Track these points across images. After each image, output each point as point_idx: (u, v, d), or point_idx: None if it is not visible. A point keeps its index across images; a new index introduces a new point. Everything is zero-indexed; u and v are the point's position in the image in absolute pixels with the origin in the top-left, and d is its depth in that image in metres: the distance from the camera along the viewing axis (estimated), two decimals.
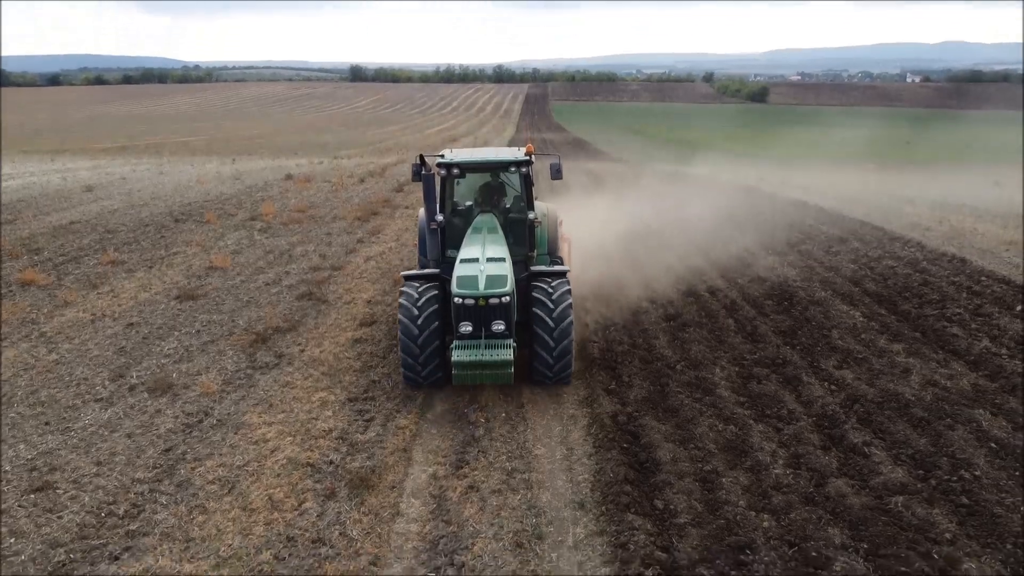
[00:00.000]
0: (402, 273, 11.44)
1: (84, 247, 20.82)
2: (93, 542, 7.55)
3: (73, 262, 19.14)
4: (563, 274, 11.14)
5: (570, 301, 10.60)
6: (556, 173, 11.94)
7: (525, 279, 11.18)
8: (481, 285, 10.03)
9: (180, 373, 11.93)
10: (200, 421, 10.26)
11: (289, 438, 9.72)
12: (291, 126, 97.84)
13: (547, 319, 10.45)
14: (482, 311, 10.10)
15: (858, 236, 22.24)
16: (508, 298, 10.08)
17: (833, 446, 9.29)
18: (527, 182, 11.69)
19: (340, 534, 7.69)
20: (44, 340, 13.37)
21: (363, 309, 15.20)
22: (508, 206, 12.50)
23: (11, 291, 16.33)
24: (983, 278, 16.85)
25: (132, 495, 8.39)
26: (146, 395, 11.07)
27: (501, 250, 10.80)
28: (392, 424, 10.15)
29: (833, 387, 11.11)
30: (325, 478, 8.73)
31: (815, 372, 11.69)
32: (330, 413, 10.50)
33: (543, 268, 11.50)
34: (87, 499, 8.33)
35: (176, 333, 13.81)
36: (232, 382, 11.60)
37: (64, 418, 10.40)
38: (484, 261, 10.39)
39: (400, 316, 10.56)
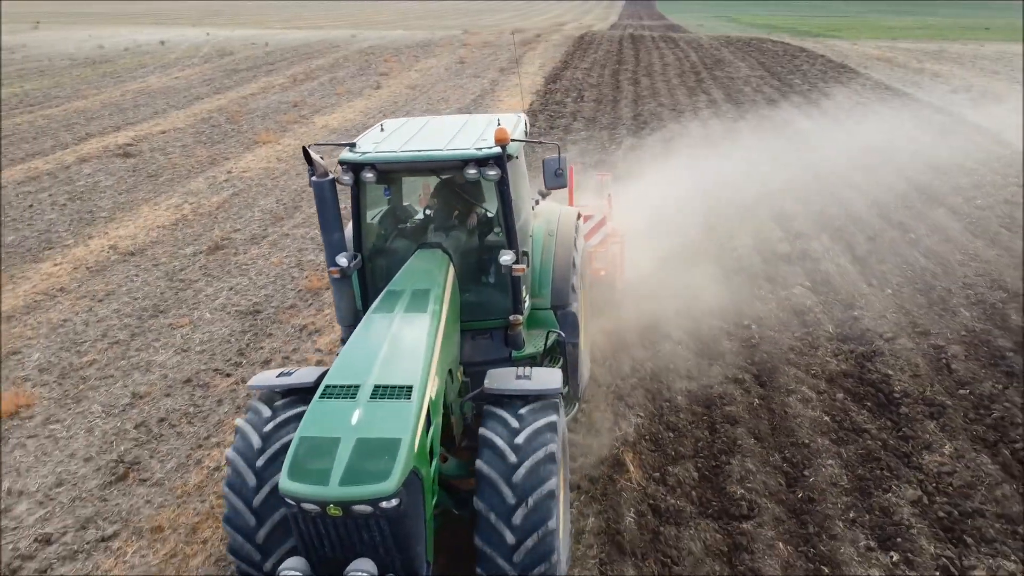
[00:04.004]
0: (250, 383, 6.32)
1: None
2: None
3: None
4: (547, 396, 5.89)
5: (552, 450, 5.42)
6: (554, 179, 7.02)
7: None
8: (335, 475, 4.74)
9: None
10: None
11: None
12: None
13: (501, 496, 5.31)
14: (335, 531, 4.91)
15: None
16: (395, 504, 4.79)
17: None
18: (502, 194, 6.73)
19: None
20: None
21: None
22: (477, 231, 7.51)
23: None
24: None
25: None
26: None
27: (416, 361, 5.54)
28: None
29: None
30: None
31: None
32: None
33: (509, 381, 6.01)
34: None
35: None
36: None
37: None
38: (367, 396, 5.20)
39: (229, 466, 5.72)
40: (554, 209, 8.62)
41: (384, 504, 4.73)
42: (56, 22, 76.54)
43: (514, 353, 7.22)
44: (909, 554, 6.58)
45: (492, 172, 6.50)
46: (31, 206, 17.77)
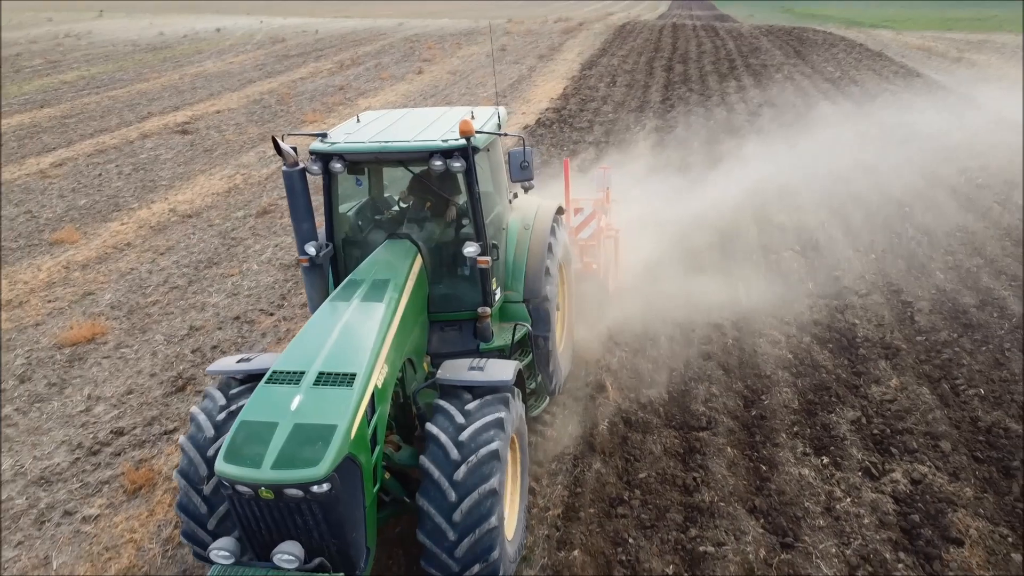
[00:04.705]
0: (209, 368, 6.50)
1: None
2: None
3: None
4: (498, 388, 6.02)
5: (496, 447, 5.49)
6: (520, 172, 6.96)
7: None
8: (268, 458, 4.84)
9: None
10: None
11: None
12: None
13: (443, 493, 5.43)
14: (269, 514, 5.03)
15: None
16: (326, 489, 4.87)
17: None
18: (468, 186, 6.80)
19: None
20: None
21: None
22: (448, 223, 7.52)
23: None
24: None
25: None
26: None
27: (363, 350, 5.62)
28: None
29: None
30: None
31: None
32: None
33: (461, 372, 6.12)
34: None
35: None
36: None
37: None
38: (311, 382, 5.32)
39: (183, 448, 5.84)
40: (532, 203, 8.46)
41: (315, 489, 4.79)
42: (119, 11, 79.99)
43: (482, 345, 7.19)
44: (839, 459, 7.69)
45: (457, 164, 6.55)
46: (100, 175, 19.60)
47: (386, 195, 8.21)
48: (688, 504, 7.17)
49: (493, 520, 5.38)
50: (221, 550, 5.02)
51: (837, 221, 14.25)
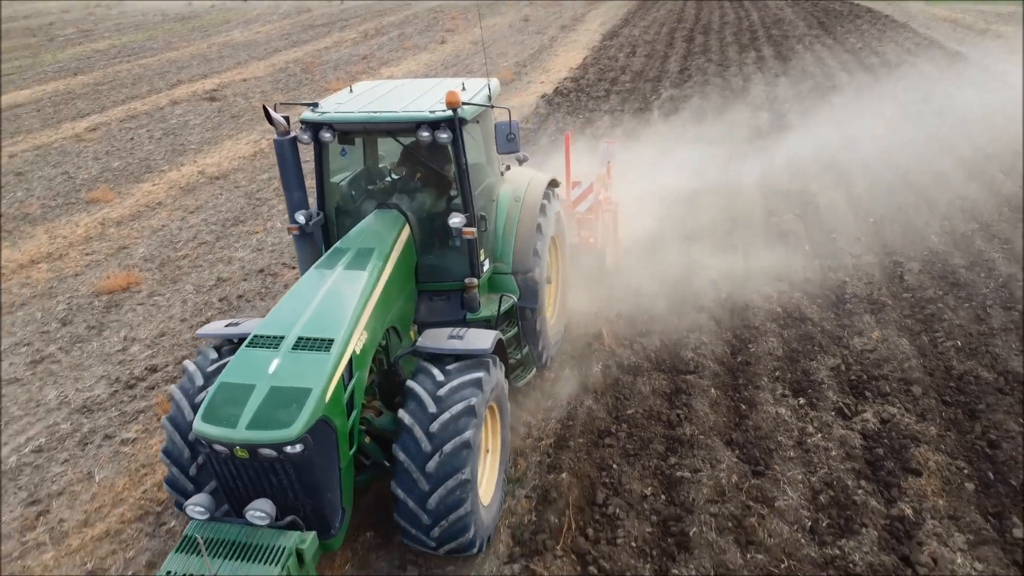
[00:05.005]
0: (199, 332, 6.74)
1: None
2: None
3: None
4: (475, 355, 6.17)
5: (473, 404, 5.71)
6: (506, 143, 6.88)
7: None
8: (244, 419, 5.07)
9: None
10: None
11: None
12: None
13: (418, 444, 5.62)
14: (244, 472, 5.27)
15: None
16: (299, 450, 5.09)
17: None
18: (456, 158, 6.89)
19: None
20: None
21: None
22: (438, 194, 7.70)
23: None
24: None
25: None
26: None
27: (342, 316, 5.80)
28: None
29: None
30: None
31: None
32: None
33: (440, 341, 6.32)
34: None
35: None
36: None
37: None
38: (289, 347, 5.52)
39: (172, 396, 6.09)
40: (525, 175, 8.56)
41: (288, 449, 5.00)
42: None
43: (469, 316, 7.34)
44: (815, 400, 8.25)
45: (444, 135, 6.63)
46: (132, 139, 20.41)
47: (381, 166, 8.32)
48: (670, 437, 7.79)
49: (466, 472, 5.53)
50: (196, 506, 5.19)
51: (841, 188, 14.60)
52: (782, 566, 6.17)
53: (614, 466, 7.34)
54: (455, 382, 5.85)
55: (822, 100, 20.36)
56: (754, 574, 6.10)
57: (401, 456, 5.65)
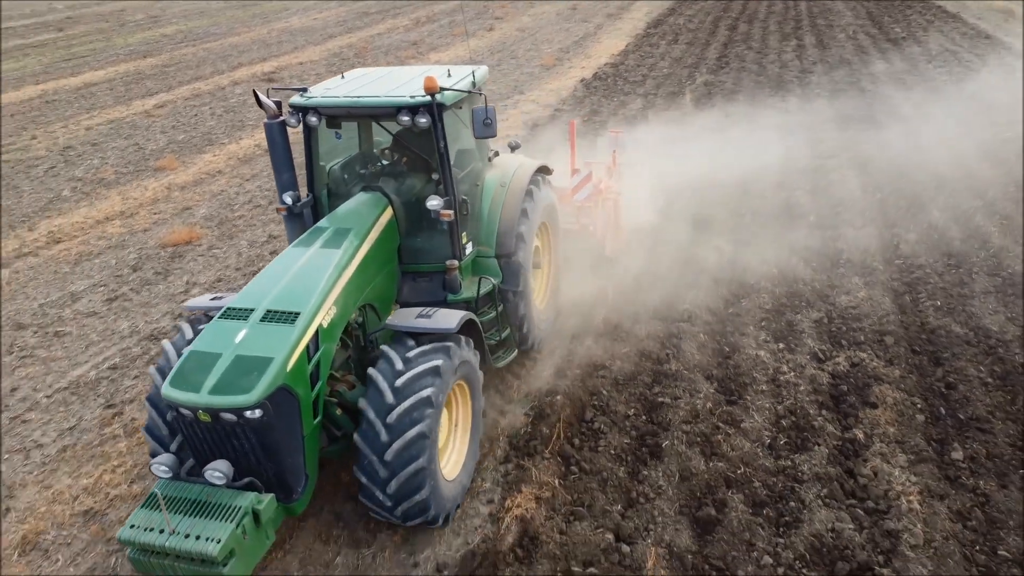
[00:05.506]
0: (185, 304, 7.23)
1: None
2: None
3: None
4: (440, 335, 6.45)
5: (428, 394, 5.93)
6: (483, 128, 6.90)
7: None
8: (207, 385, 5.40)
9: None
10: None
11: None
12: None
13: (377, 434, 5.91)
14: (208, 435, 5.62)
15: None
16: (258, 416, 5.41)
17: None
18: (436, 142, 7.12)
19: None
20: None
21: None
22: (423, 177, 7.89)
23: None
24: None
25: None
26: None
27: (310, 291, 6.09)
28: None
29: None
30: None
31: None
32: None
33: (408, 319, 6.55)
34: None
35: None
36: None
37: None
38: (258, 319, 5.83)
39: (152, 375, 6.41)
40: (514, 161, 8.74)
41: (248, 414, 5.31)
42: None
43: (449, 297, 7.62)
44: (793, 346, 9.12)
45: (423, 120, 6.84)
46: (195, 115, 22.01)
47: (375, 151, 8.51)
48: (657, 371, 8.76)
49: (422, 462, 5.88)
50: (160, 465, 5.60)
51: (854, 167, 15.24)
52: (738, 472, 7.12)
53: (603, 392, 8.35)
54: (413, 372, 6.03)
55: (854, 86, 20.85)
56: (713, 477, 7.06)
57: (361, 444, 5.97)
